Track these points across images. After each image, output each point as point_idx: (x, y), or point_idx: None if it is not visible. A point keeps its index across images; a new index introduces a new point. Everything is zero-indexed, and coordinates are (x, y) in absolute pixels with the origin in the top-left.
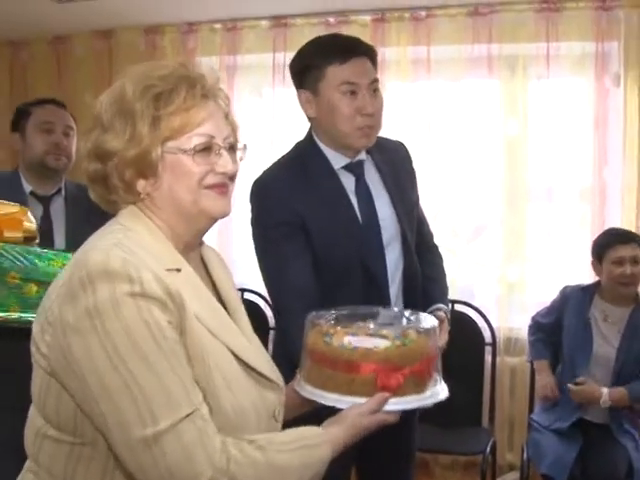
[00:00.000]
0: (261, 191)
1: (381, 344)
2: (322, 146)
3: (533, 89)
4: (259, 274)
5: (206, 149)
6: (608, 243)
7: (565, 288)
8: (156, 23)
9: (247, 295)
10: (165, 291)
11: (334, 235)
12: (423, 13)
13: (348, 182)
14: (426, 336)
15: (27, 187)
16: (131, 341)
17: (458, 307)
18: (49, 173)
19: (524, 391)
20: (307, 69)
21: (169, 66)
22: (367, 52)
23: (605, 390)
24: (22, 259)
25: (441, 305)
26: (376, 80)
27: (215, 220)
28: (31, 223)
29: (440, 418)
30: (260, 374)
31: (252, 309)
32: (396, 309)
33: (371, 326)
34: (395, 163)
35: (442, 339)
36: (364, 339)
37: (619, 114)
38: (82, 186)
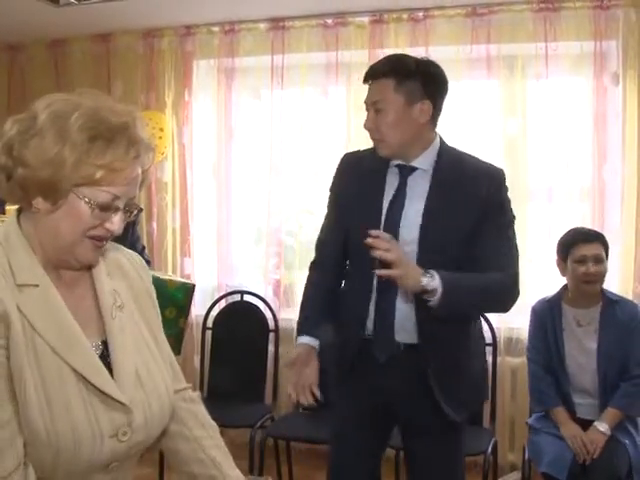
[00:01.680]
0: (341, 160)
1: None
2: None
3: (532, 89)
4: (258, 277)
5: (107, 207)
6: (572, 242)
7: (533, 307)
8: (154, 26)
9: (247, 297)
10: None
11: (356, 218)
12: (421, 14)
13: (394, 180)
14: None
15: None
16: None
17: None
18: None
19: (525, 391)
20: None
21: (122, 114)
22: (375, 75)
23: (596, 424)
24: None
25: (434, 272)
26: (377, 101)
27: (83, 266)
28: None
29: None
30: (106, 394)
31: (252, 311)
32: None
33: None
34: (461, 182)
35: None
36: None
37: (618, 113)
38: None
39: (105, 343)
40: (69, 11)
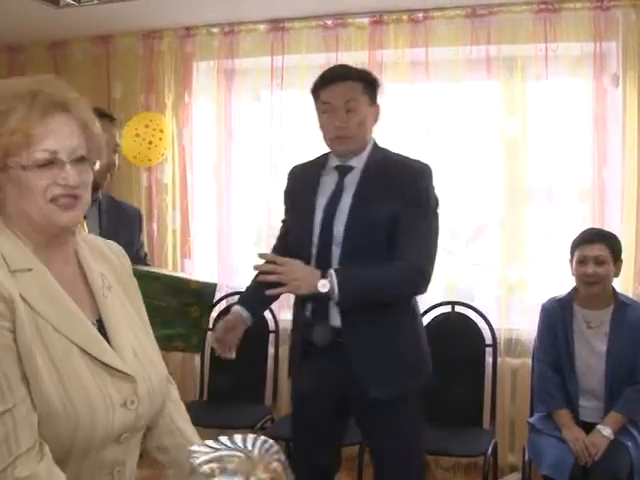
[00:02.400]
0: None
1: None
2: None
3: (532, 90)
4: None
5: (49, 164)
6: (577, 243)
7: (543, 305)
8: (154, 28)
9: None
10: None
11: (294, 221)
12: (421, 15)
13: (330, 180)
14: None
15: None
16: None
17: (458, 308)
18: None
19: (525, 392)
20: (312, 95)
21: (16, 85)
22: (344, 77)
23: (600, 428)
24: None
25: (332, 271)
26: (349, 101)
27: (67, 229)
28: (85, 232)
29: (441, 420)
30: (110, 367)
31: None
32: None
33: None
34: (386, 178)
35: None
36: None
37: (618, 114)
38: (111, 197)
39: (100, 322)
40: (69, 12)
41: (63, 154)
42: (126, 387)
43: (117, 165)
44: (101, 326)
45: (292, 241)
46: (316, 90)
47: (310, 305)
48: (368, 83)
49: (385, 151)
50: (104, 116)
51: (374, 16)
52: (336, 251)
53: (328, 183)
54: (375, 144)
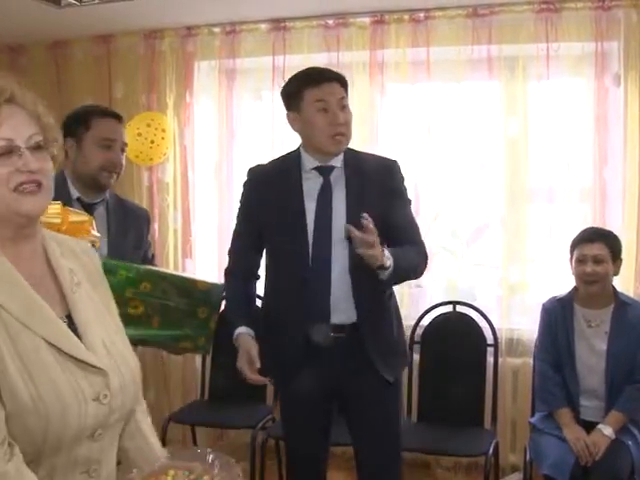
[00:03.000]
0: (247, 174)
1: None
2: (302, 152)
3: (533, 90)
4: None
5: (7, 153)
6: (576, 242)
7: (544, 305)
8: (155, 27)
9: None
10: None
11: (282, 227)
12: (422, 15)
13: (314, 183)
14: None
15: (74, 193)
16: None
17: (460, 308)
18: (99, 187)
19: (526, 392)
20: (291, 95)
21: None
22: (336, 78)
23: (601, 427)
24: None
25: (385, 249)
26: (344, 98)
27: (32, 217)
28: (95, 232)
29: (442, 419)
30: (80, 360)
31: None
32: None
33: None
34: (368, 175)
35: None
36: None
37: (619, 114)
38: (119, 197)
39: (69, 317)
40: (70, 12)
41: (19, 141)
42: (98, 381)
43: (124, 165)
44: (71, 322)
45: (284, 249)
46: (305, 88)
47: (309, 310)
48: (345, 85)
49: (351, 150)
50: (112, 116)
51: (375, 16)
52: (335, 251)
53: (312, 185)
54: None
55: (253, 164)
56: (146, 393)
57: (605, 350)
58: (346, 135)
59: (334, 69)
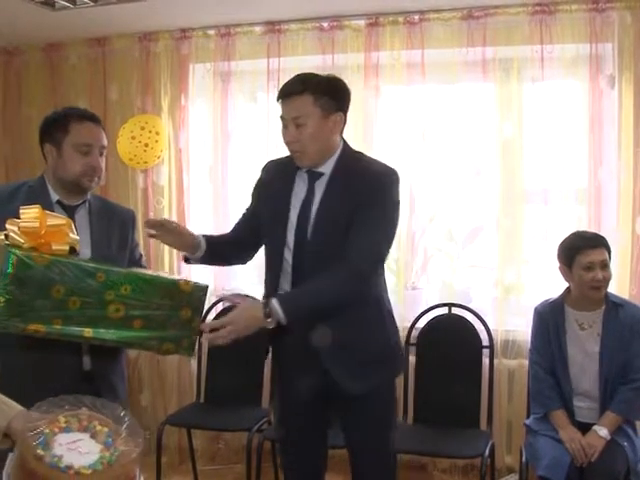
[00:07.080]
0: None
1: (90, 458)
2: None
3: (528, 91)
4: (255, 279)
5: None
6: (578, 248)
7: (536, 308)
8: (150, 30)
9: None
10: None
11: (268, 225)
12: (417, 17)
13: (303, 184)
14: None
15: (54, 196)
16: None
17: (455, 310)
18: (80, 191)
19: (522, 393)
20: None
21: None
22: (292, 93)
23: (596, 428)
24: (69, 273)
25: (273, 301)
26: (298, 117)
27: None
28: (75, 235)
29: (438, 421)
30: None
31: None
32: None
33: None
34: (350, 186)
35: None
36: (77, 441)
37: (614, 115)
38: (103, 199)
39: None
40: (65, 15)
41: None
42: None
43: (103, 169)
44: None
45: (265, 229)
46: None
47: None
48: (323, 94)
49: (355, 155)
50: (90, 119)
51: (370, 18)
52: (309, 259)
53: (301, 185)
54: (345, 148)
55: (248, 167)
56: (142, 396)
57: (598, 352)
58: (299, 152)
59: (329, 71)
